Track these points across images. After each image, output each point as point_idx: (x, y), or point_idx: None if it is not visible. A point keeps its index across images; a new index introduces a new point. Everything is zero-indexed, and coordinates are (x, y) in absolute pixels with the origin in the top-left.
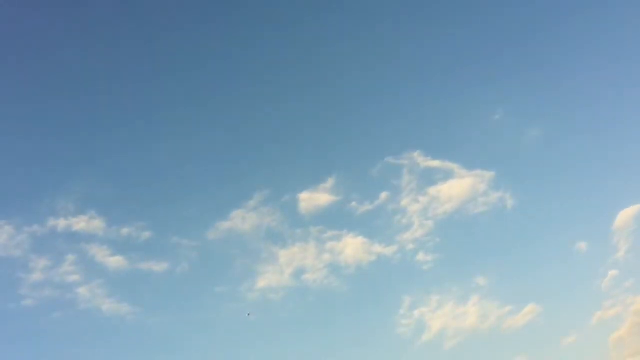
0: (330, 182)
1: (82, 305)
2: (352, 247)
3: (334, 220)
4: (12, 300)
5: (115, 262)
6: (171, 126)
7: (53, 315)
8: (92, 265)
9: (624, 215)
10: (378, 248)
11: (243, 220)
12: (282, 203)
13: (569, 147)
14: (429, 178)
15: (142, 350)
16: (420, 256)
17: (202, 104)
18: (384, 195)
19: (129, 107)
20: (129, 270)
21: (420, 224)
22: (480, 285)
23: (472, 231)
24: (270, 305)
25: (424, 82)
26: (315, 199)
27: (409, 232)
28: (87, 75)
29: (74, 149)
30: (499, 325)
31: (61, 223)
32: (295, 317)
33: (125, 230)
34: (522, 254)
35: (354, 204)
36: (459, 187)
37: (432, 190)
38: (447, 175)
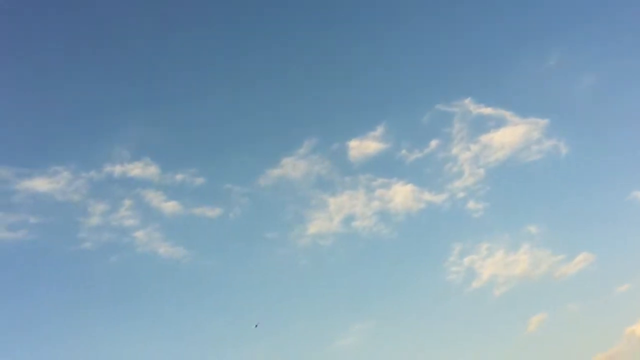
0: (379, 130)
1: (139, 249)
2: (402, 195)
3: (384, 168)
4: (72, 243)
5: (170, 207)
6: (224, 74)
7: (111, 258)
8: (148, 210)
9: None
10: (428, 196)
11: (293, 167)
12: (331, 150)
13: (626, 93)
14: (481, 125)
15: (197, 293)
16: (471, 204)
17: (253, 53)
18: (434, 143)
19: (183, 56)
20: (184, 215)
21: (471, 172)
22: (531, 233)
23: (525, 179)
24: (320, 251)
25: (475, 26)
26: (364, 146)
27: (459, 180)
28: (142, 25)
29: (128, 96)
30: (551, 273)
31: (117, 169)
32: (344, 264)
33: (179, 176)
34: (575, 202)
35: (403, 151)
36: (512, 134)
37: (484, 138)
38: (500, 123)
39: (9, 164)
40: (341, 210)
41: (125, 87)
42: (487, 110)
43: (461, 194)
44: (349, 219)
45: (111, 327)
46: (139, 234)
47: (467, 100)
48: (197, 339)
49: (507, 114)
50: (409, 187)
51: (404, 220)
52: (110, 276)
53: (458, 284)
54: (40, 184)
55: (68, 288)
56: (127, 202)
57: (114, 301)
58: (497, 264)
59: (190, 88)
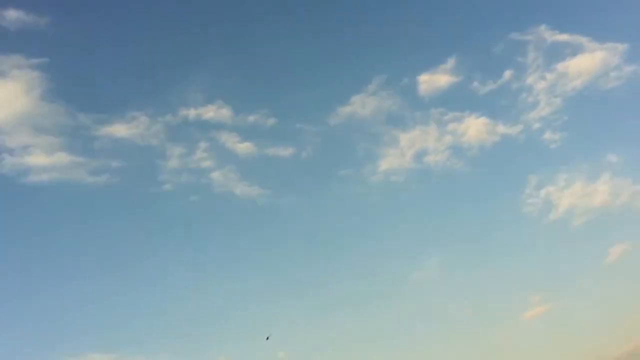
0: (450, 63)
1: (217, 189)
2: (475, 128)
3: (455, 101)
4: (154, 185)
5: (244, 148)
6: (292, 17)
7: (191, 198)
8: (223, 151)
9: None
10: (502, 128)
11: (363, 104)
12: (401, 86)
13: None
14: (557, 53)
15: (273, 230)
16: (547, 135)
17: None
18: (507, 73)
19: (253, 1)
20: (258, 156)
21: (547, 101)
22: (611, 162)
23: (604, 107)
24: (392, 187)
25: None
26: (435, 80)
27: (534, 110)
28: None
29: (200, 42)
30: (632, 202)
31: (192, 112)
32: (417, 199)
33: (251, 118)
34: None
35: (475, 84)
36: (589, 61)
37: (560, 66)
38: (576, 50)
39: (89, 111)
40: (413, 145)
41: (197, 33)
42: (563, 37)
43: (537, 125)
44: (420, 155)
45: (192, 263)
46: (216, 174)
47: (542, 28)
48: (274, 273)
49: (584, 40)
50: (482, 120)
51: (478, 154)
52: (190, 216)
53: (535, 216)
54: (119, 130)
55: (151, 228)
56: (203, 145)
57: (194, 239)
58: (576, 194)
59: (260, 31)
